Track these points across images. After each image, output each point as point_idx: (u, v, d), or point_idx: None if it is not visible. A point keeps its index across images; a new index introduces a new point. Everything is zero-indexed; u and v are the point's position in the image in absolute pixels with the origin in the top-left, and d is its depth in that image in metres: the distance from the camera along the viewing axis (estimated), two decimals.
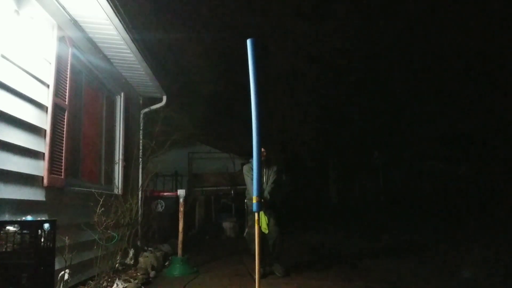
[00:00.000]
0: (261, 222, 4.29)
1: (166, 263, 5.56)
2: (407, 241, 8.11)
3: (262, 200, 4.28)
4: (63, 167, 3.48)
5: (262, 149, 4.48)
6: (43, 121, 3.26)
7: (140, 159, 6.10)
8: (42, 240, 2.33)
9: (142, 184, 6.14)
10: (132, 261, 5.01)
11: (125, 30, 4.15)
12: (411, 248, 7.20)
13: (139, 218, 5.60)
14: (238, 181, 13.34)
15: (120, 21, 3.96)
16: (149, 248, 5.80)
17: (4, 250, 2.18)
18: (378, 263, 5.69)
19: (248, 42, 3.04)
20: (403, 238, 8.62)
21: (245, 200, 5.15)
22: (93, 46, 4.44)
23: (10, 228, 2.24)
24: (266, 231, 4.42)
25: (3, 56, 2.74)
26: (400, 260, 5.84)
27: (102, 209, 3.58)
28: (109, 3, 3.61)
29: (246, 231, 4.66)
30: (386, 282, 4.41)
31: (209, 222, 12.31)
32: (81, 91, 4.38)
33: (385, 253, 6.64)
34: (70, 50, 3.74)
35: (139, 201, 5.68)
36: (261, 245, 4.08)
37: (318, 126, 12.07)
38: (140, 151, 6.11)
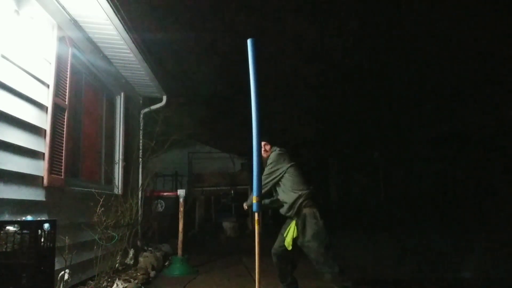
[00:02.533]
0: (287, 233, 3.33)
1: (166, 263, 5.56)
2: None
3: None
4: (63, 167, 3.48)
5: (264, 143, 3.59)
6: (43, 121, 3.26)
7: (140, 159, 6.10)
8: (42, 240, 2.33)
9: (142, 184, 6.14)
10: (132, 261, 5.01)
11: (125, 30, 4.15)
12: None
13: (139, 218, 5.60)
14: (238, 181, 13.38)
15: (120, 21, 3.96)
16: (149, 248, 5.80)
17: (4, 250, 2.18)
18: None
19: (249, 42, 3.04)
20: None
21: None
22: (93, 46, 4.44)
23: (10, 228, 2.24)
24: (290, 247, 3.29)
25: (3, 56, 2.74)
26: None
27: (102, 209, 3.58)
28: (109, 3, 3.61)
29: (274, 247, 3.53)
30: None
31: (209, 222, 12.33)
32: (81, 91, 4.38)
33: None
34: (70, 50, 3.74)
35: (139, 201, 5.68)
36: (281, 258, 3.38)
37: (318, 126, 12.07)
38: (140, 151, 6.11)
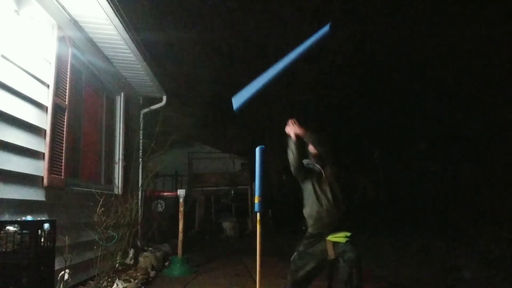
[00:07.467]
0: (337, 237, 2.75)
1: (166, 263, 5.56)
2: None
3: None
4: (63, 167, 3.47)
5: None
6: (43, 121, 3.26)
7: (140, 159, 6.10)
8: (42, 240, 2.33)
9: (142, 184, 6.14)
10: (132, 261, 5.01)
11: (125, 30, 4.15)
12: None
13: (139, 218, 5.60)
14: (238, 181, 13.38)
15: (120, 21, 3.96)
16: (149, 248, 5.80)
17: (4, 250, 2.18)
18: None
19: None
20: None
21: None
22: (93, 46, 4.44)
23: (10, 228, 2.24)
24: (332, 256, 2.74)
25: (3, 56, 2.74)
26: None
27: (102, 209, 3.58)
28: (109, 3, 3.61)
29: (294, 256, 2.90)
30: None
31: (209, 222, 12.33)
32: (81, 91, 4.38)
33: None
34: (70, 50, 3.74)
35: (139, 201, 5.68)
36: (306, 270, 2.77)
37: (318, 126, 12.09)
38: (140, 151, 6.11)
